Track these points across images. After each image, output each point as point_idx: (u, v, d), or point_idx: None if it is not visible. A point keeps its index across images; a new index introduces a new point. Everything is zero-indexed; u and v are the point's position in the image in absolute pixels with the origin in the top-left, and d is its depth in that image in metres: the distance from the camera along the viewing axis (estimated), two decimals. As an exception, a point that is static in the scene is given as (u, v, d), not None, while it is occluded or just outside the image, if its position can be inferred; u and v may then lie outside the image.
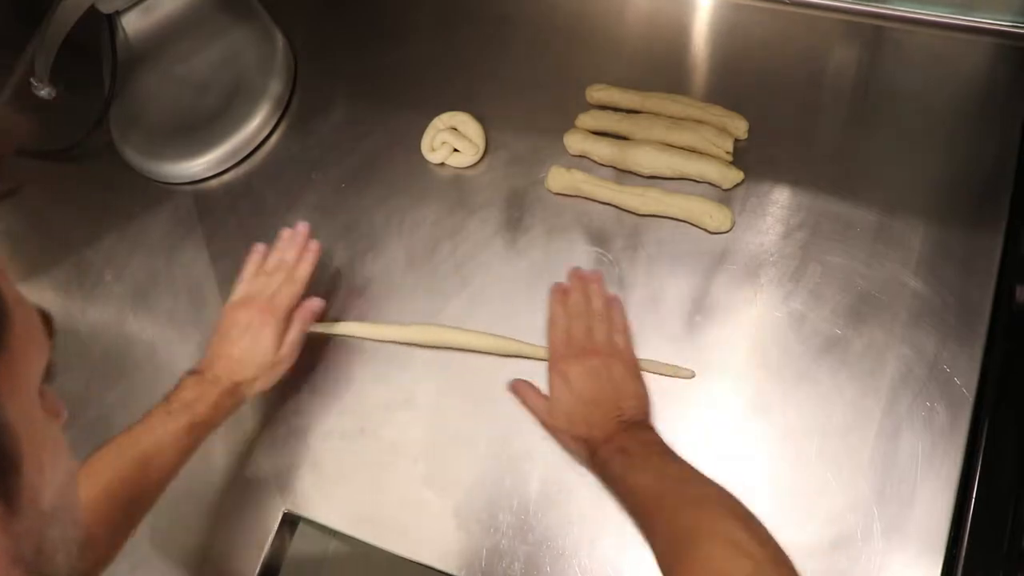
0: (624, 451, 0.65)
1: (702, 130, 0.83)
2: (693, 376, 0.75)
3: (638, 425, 0.69)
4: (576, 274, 0.80)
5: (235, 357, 0.74)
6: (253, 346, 0.75)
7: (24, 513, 0.31)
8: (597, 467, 0.68)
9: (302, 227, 0.83)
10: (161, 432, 0.68)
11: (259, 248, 0.83)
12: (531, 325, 0.80)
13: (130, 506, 0.66)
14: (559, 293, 0.79)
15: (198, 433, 0.70)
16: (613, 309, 0.77)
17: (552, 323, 0.77)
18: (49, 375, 0.34)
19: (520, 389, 0.76)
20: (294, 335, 0.77)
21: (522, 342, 0.79)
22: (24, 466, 0.31)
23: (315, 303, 0.80)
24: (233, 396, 0.73)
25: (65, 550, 0.34)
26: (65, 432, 0.36)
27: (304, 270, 0.81)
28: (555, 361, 0.73)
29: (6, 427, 0.30)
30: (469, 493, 0.76)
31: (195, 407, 0.70)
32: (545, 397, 0.73)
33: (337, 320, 0.85)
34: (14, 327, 0.31)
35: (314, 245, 0.82)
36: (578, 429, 0.69)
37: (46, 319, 0.34)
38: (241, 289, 0.81)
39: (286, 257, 0.82)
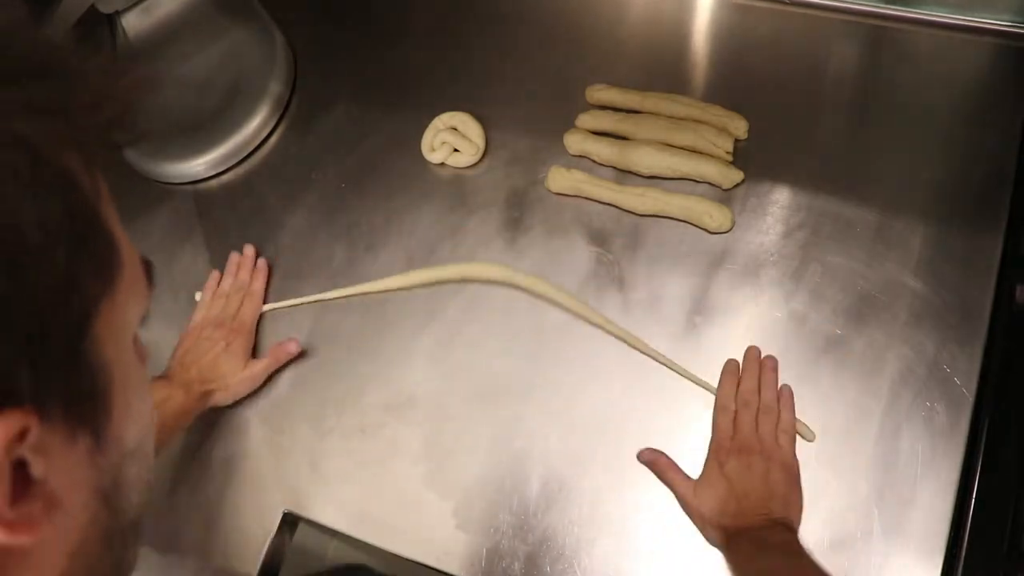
0: (760, 540, 0.64)
1: (702, 130, 0.83)
2: (814, 439, 0.71)
3: (782, 525, 0.66)
4: (751, 356, 0.75)
5: (206, 366, 0.79)
6: (225, 357, 0.80)
7: (110, 449, 0.33)
8: (728, 549, 0.66)
9: (249, 250, 0.89)
10: None
11: (215, 274, 0.89)
12: (531, 326, 0.80)
13: None
14: (732, 375, 0.75)
15: (163, 435, 0.73)
16: (783, 405, 0.73)
17: (720, 407, 0.73)
18: (143, 322, 0.36)
19: (660, 464, 0.72)
20: (264, 365, 0.82)
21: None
22: (114, 407, 0.33)
23: (292, 346, 0.83)
24: (200, 402, 0.77)
25: (138, 488, 0.37)
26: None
27: (259, 285, 0.87)
28: (717, 449, 0.71)
29: (104, 368, 0.32)
30: (469, 493, 0.76)
31: (163, 408, 0.73)
32: (686, 476, 0.71)
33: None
34: (124, 274, 0.33)
35: (262, 263, 0.89)
36: (722, 518, 0.67)
37: (148, 269, 0.36)
38: (202, 313, 0.86)
39: (240, 277, 0.88)
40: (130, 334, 0.34)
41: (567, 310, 0.80)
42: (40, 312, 0.28)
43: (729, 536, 0.66)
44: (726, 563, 0.67)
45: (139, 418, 0.36)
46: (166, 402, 0.74)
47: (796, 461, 0.70)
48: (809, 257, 0.78)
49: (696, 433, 0.73)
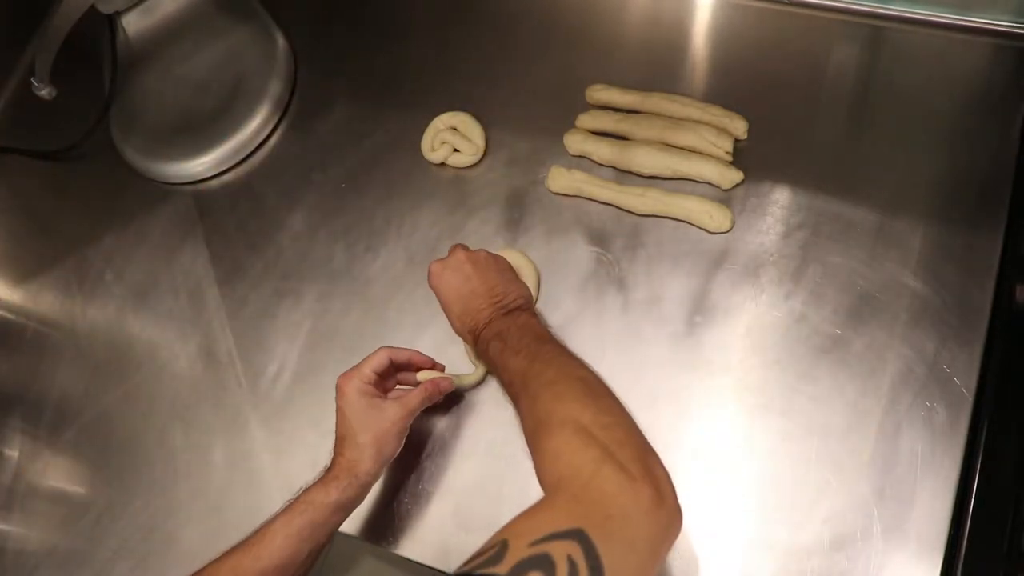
0: (500, 335, 0.66)
1: (702, 130, 0.83)
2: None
3: (519, 310, 0.70)
4: None
5: (339, 436, 0.70)
6: (340, 420, 0.70)
7: None
8: (481, 354, 0.69)
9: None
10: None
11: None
12: (531, 325, 0.81)
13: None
14: None
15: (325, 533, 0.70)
16: None
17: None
18: None
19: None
20: (405, 406, 0.69)
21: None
22: None
23: (445, 382, 0.73)
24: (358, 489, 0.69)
25: None
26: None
27: (407, 355, 0.73)
28: (430, 275, 0.74)
29: None
30: (469, 493, 0.76)
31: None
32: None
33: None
34: None
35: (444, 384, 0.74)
36: (464, 321, 0.71)
37: None
38: None
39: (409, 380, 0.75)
40: None
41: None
42: None
43: (476, 337, 0.69)
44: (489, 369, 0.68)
45: None
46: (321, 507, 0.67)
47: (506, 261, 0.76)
48: (809, 257, 0.78)
49: (698, 430, 0.73)
